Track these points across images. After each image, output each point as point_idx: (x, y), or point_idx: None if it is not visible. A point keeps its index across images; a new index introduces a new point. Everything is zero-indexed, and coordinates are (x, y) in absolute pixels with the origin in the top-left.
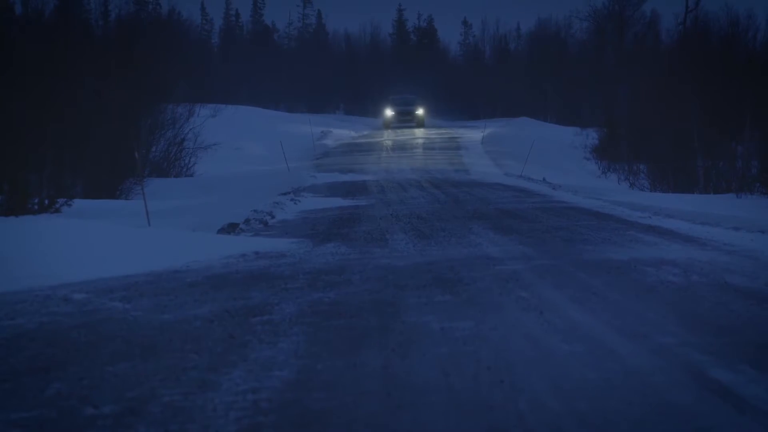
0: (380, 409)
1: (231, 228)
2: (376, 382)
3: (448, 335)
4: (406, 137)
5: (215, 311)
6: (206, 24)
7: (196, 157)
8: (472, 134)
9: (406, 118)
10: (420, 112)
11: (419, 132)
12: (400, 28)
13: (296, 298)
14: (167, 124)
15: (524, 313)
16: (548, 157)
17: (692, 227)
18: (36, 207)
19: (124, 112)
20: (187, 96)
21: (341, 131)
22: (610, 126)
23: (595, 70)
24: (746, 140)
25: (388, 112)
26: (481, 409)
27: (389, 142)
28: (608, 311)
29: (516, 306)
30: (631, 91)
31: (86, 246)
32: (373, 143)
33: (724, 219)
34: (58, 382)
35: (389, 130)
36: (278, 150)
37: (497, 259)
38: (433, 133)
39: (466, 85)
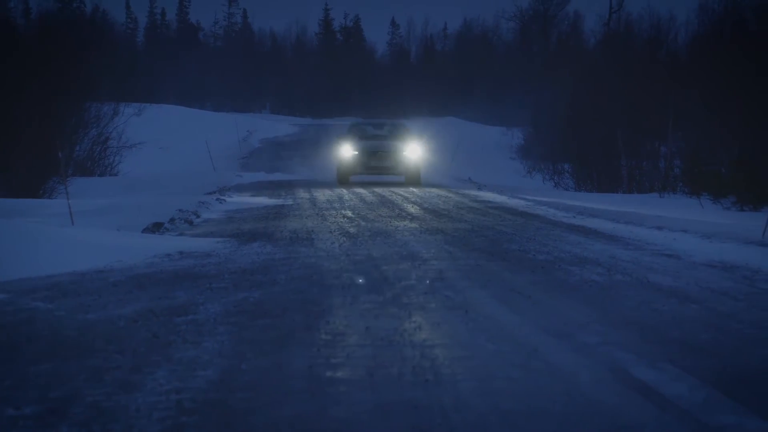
0: (305, 409)
1: (156, 227)
2: (300, 382)
3: (373, 335)
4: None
5: (139, 311)
6: (130, 22)
7: (120, 156)
8: None
9: (381, 164)
10: (411, 154)
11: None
12: (327, 28)
13: (221, 298)
14: (91, 123)
15: (449, 312)
16: (474, 157)
17: (616, 227)
18: None
19: (47, 110)
20: (112, 94)
21: (268, 130)
22: (536, 125)
23: (521, 70)
24: (669, 140)
25: (347, 152)
26: (406, 408)
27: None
28: (533, 310)
29: (441, 305)
30: (556, 90)
31: (7, 245)
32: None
33: (648, 218)
34: None
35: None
36: (204, 149)
37: (423, 259)
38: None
39: (393, 84)
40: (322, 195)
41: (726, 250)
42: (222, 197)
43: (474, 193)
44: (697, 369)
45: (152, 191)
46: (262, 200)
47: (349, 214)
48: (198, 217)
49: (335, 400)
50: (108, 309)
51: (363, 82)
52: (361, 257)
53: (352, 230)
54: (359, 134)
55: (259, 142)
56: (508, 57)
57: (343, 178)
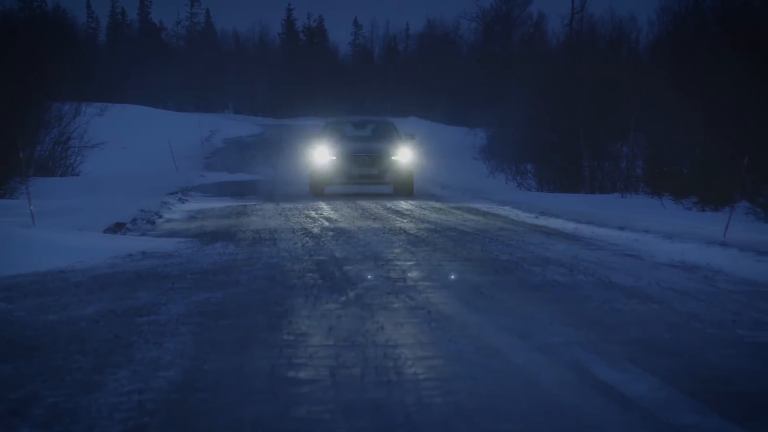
0: (267, 410)
1: (118, 227)
2: (263, 383)
3: (336, 335)
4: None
5: (101, 311)
6: (92, 22)
7: (82, 156)
8: None
9: (365, 171)
10: (402, 158)
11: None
12: (290, 28)
13: (183, 298)
14: (53, 123)
15: (412, 312)
16: (437, 157)
17: (578, 227)
18: None
19: (7, 110)
20: (74, 94)
21: (231, 130)
22: (499, 126)
23: (484, 71)
24: (631, 141)
25: (323, 157)
26: (369, 408)
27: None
28: (496, 311)
29: (404, 305)
30: (519, 91)
31: None
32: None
33: (610, 219)
34: None
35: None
36: (166, 149)
37: (386, 259)
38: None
39: (356, 84)
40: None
41: (687, 251)
42: (184, 197)
43: (438, 192)
44: (659, 368)
45: (114, 191)
46: (225, 200)
47: (310, 212)
48: (160, 217)
49: (297, 401)
50: (69, 309)
51: (326, 82)
52: (325, 257)
53: (314, 231)
54: (338, 135)
55: (222, 142)
56: (471, 58)
57: (318, 189)
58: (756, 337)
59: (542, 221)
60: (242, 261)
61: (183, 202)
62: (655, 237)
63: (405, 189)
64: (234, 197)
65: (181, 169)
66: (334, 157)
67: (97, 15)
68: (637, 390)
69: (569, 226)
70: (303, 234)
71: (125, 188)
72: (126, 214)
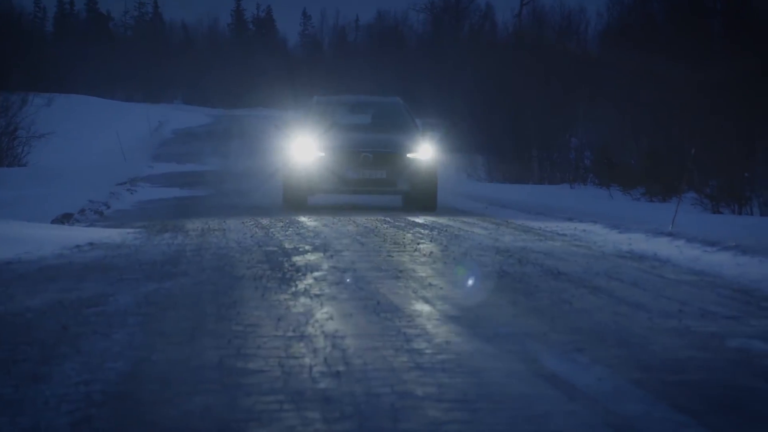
0: (216, 401)
1: (65, 218)
2: (211, 374)
3: (284, 326)
4: None
5: (48, 302)
6: (39, 11)
7: (29, 146)
8: None
9: (369, 175)
10: (423, 156)
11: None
12: (238, 19)
13: (132, 289)
14: None
15: (360, 303)
16: None
17: (527, 217)
18: None
19: None
20: (21, 84)
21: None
22: (448, 117)
23: (434, 62)
24: (580, 132)
25: (306, 154)
26: (318, 399)
27: None
28: (444, 302)
29: (352, 296)
30: (469, 82)
31: None
32: None
33: (559, 209)
34: None
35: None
36: (114, 140)
37: (335, 250)
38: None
39: (306, 75)
40: (232, 186)
41: (635, 241)
42: (133, 188)
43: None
44: (606, 358)
45: (62, 182)
46: (174, 191)
47: (261, 204)
48: (109, 208)
49: (246, 392)
50: (16, 301)
51: (276, 73)
52: (273, 245)
53: (264, 222)
54: (327, 121)
55: (171, 133)
56: (420, 49)
57: (296, 199)
58: (702, 327)
59: (492, 211)
60: (191, 251)
61: (132, 193)
62: (604, 227)
63: (425, 201)
64: (183, 187)
65: (130, 160)
66: (323, 154)
67: (45, 5)
68: (585, 380)
69: (518, 217)
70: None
71: (73, 179)
72: (74, 205)
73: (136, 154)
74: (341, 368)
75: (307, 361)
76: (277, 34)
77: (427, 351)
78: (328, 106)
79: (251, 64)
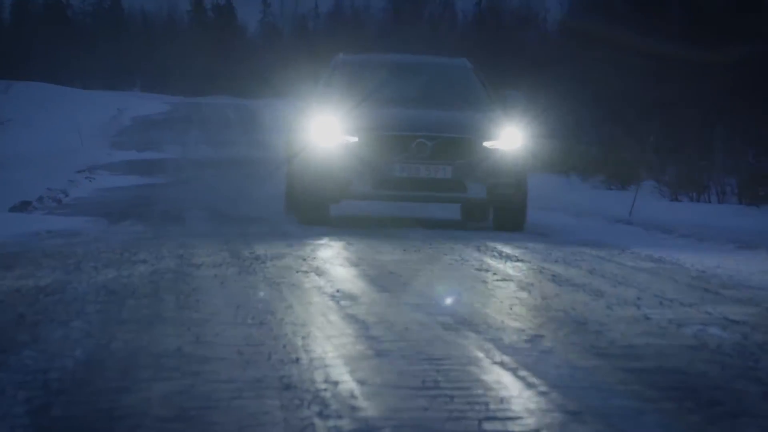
0: (175, 388)
1: (23, 206)
2: (171, 361)
3: (244, 314)
4: None
5: (5, 290)
6: None
7: None
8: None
9: (427, 172)
10: (505, 146)
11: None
12: (197, 6)
13: (90, 278)
14: None
15: (320, 291)
16: None
17: None
18: None
19: None
20: None
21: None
22: None
23: (394, 50)
24: (540, 120)
25: (328, 138)
26: (278, 387)
27: None
28: (405, 293)
29: (312, 284)
30: None
31: None
32: None
33: None
34: None
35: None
36: (72, 127)
37: (295, 237)
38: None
39: (265, 62)
40: (192, 174)
41: (593, 228)
42: (92, 176)
43: None
44: (564, 346)
45: (20, 169)
46: (133, 179)
47: (225, 195)
48: (67, 195)
49: (205, 379)
50: None
51: (235, 60)
52: (234, 233)
53: (223, 209)
54: (359, 91)
55: (130, 121)
56: (380, 37)
57: (314, 209)
58: (660, 314)
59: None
60: (151, 239)
61: (91, 181)
62: (563, 215)
63: (508, 215)
64: (142, 175)
65: (89, 148)
66: (355, 139)
67: None
68: (542, 369)
69: None
70: None
71: (31, 166)
72: (32, 193)
73: (95, 141)
74: None
75: None
76: (236, 22)
77: (388, 336)
78: (360, 70)
79: (210, 52)
